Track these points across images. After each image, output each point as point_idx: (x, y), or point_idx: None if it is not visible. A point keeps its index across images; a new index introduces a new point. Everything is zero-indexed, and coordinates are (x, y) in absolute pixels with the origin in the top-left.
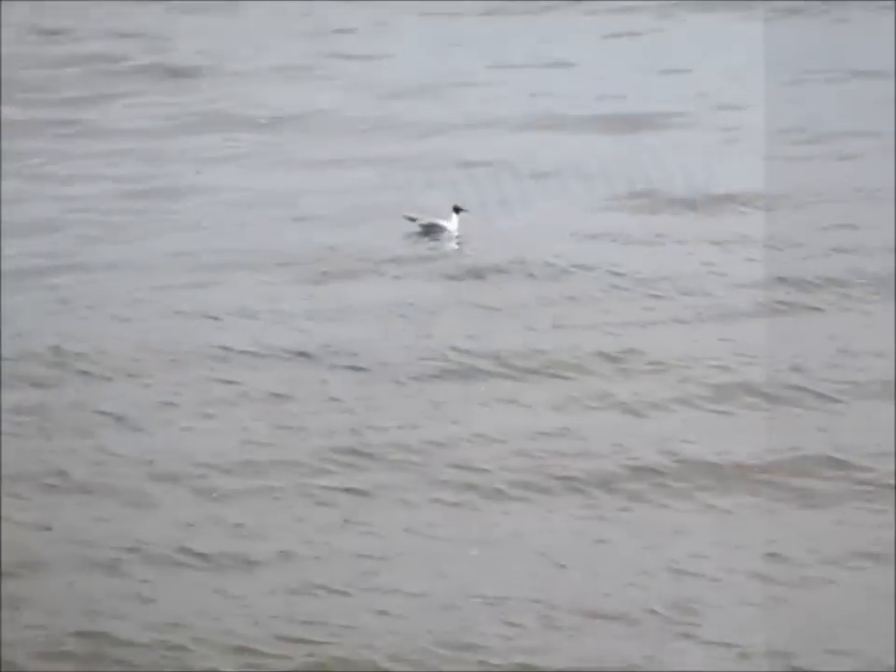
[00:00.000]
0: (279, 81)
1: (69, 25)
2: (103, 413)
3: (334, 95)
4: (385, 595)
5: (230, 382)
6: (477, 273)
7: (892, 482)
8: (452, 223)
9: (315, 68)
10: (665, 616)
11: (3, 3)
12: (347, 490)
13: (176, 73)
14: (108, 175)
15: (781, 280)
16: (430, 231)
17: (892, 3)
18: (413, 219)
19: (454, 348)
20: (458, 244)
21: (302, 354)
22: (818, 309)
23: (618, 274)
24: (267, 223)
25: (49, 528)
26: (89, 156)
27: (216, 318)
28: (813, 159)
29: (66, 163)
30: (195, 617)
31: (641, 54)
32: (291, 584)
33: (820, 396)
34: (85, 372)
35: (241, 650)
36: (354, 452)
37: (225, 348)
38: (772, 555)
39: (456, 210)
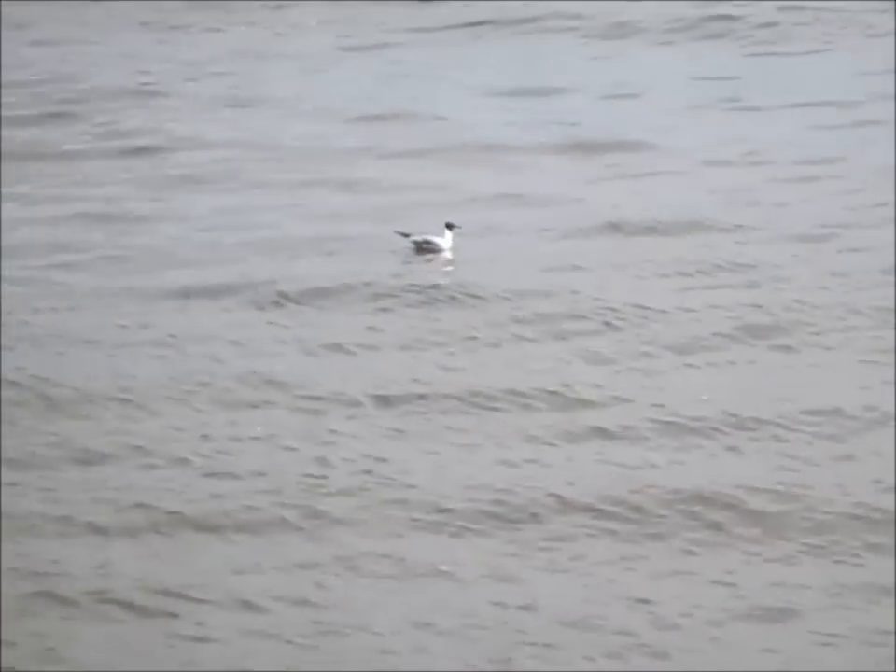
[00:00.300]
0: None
1: None
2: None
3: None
4: None
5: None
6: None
7: None
8: (445, 240)
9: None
10: None
11: (2, 3)
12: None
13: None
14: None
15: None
16: (423, 248)
17: None
18: (405, 235)
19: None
20: (451, 265)
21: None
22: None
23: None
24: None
25: None
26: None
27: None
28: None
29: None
30: None
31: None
32: None
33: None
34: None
35: None
36: None
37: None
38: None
39: (449, 227)
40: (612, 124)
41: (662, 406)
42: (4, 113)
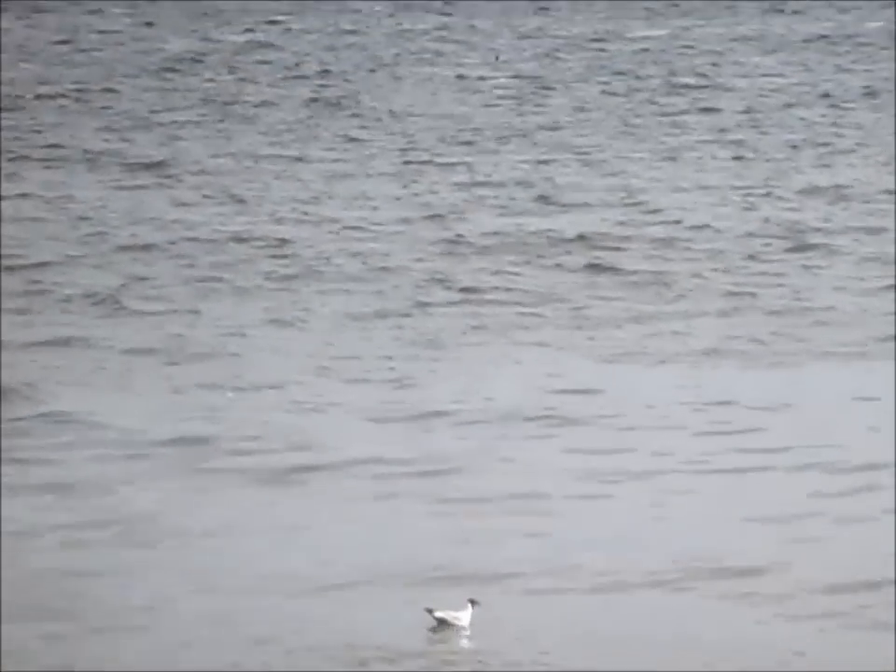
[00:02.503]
0: None
1: None
2: None
3: None
4: None
5: None
6: None
7: None
8: (465, 616)
9: None
10: None
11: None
12: None
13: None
14: None
15: None
16: (444, 625)
17: None
18: (430, 611)
19: None
20: (467, 637)
21: None
22: None
23: None
24: None
25: None
26: None
27: None
28: None
29: None
30: None
31: None
32: None
33: None
34: None
35: None
36: None
37: None
38: None
39: (472, 603)
40: None
41: None
42: None
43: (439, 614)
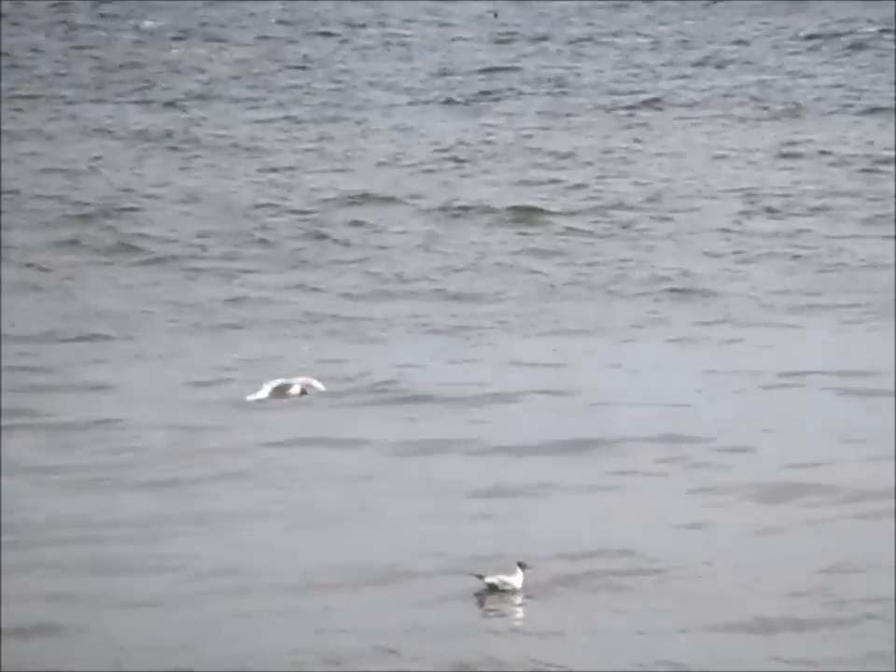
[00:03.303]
0: None
1: None
2: None
3: None
4: None
5: None
6: None
7: None
8: (517, 579)
9: None
10: None
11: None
12: None
13: None
14: None
15: None
16: (497, 589)
17: None
18: (480, 577)
19: None
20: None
21: None
22: None
23: None
24: None
25: None
26: None
27: None
28: None
29: None
30: None
31: None
32: None
33: None
34: None
35: None
36: None
37: None
38: None
39: (521, 566)
40: None
41: None
42: None
43: (489, 580)
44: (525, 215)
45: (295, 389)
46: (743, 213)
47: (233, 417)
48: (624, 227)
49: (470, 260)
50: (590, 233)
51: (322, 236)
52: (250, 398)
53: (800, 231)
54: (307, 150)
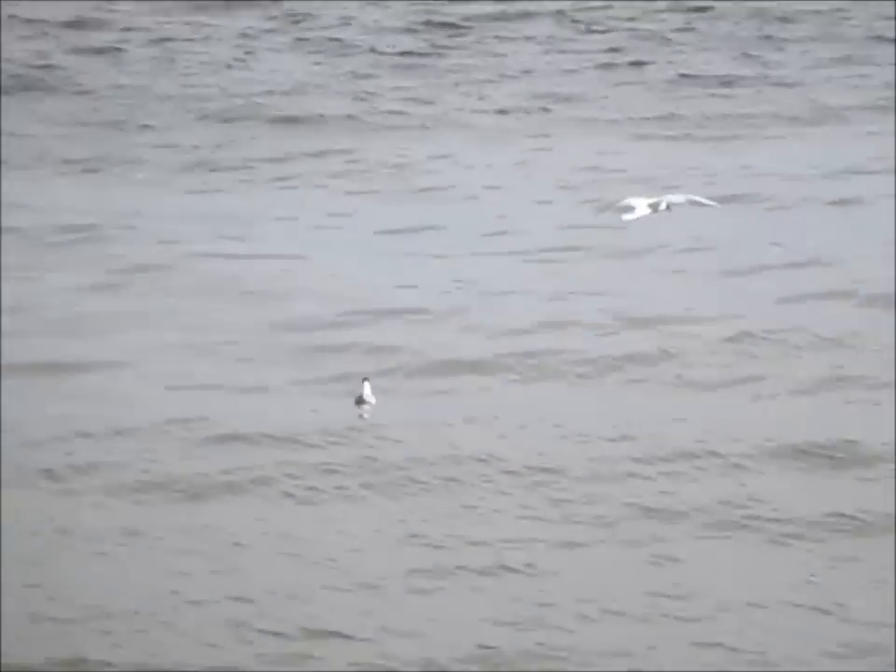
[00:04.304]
0: None
1: None
2: None
3: None
4: None
5: None
6: None
7: None
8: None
9: None
10: None
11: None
12: None
13: None
14: None
15: None
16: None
17: None
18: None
19: None
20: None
21: None
22: None
23: None
24: None
25: None
26: None
27: None
28: None
29: None
30: None
31: None
32: None
33: None
34: None
35: None
36: None
37: None
38: None
39: (365, 379)
40: None
41: None
42: None
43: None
44: None
45: (663, 205)
46: None
47: None
48: None
49: None
50: None
51: None
52: (626, 217)
53: None
54: None
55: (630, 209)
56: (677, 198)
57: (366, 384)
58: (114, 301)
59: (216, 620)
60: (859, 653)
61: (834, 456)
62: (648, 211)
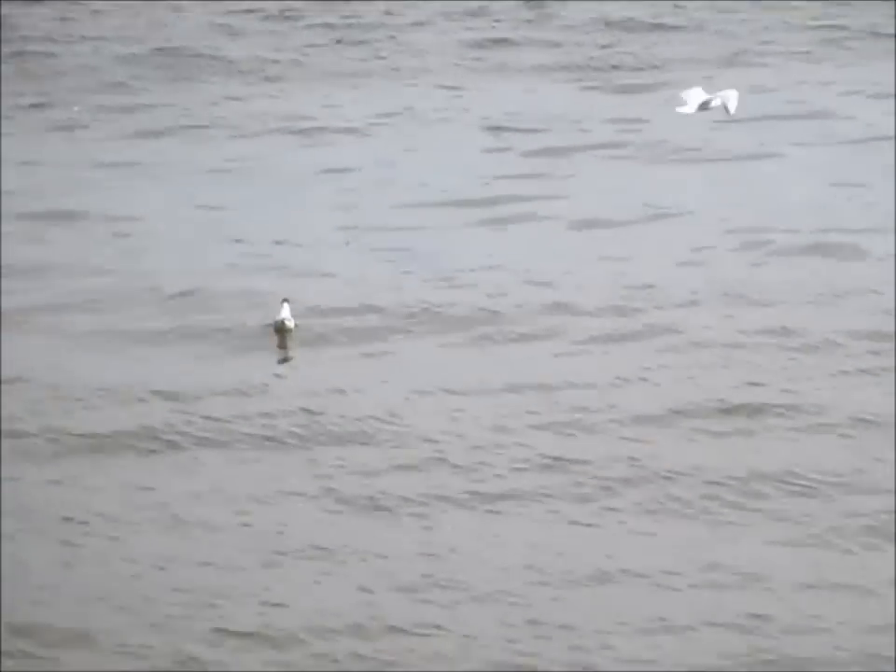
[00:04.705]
0: None
1: None
2: None
3: None
4: None
5: None
6: None
7: None
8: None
9: None
10: None
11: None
12: None
13: None
14: None
15: None
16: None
17: None
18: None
19: None
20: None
21: None
22: None
23: None
24: None
25: None
26: None
27: None
28: None
29: None
30: None
31: None
32: None
33: None
34: None
35: None
36: None
37: None
38: None
39: (285, 301)
40: None
41: None
42: None
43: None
44: None
45: (717, 102)
46: None
47: None
48: None
49: None
50: None
51: None
52: (680, 110)
53: None
54: None
55: (683, 103)
56: (729, 94)
57: (285, 305)
58: None
59: None
60: None
61: None
62: (702, 101)
